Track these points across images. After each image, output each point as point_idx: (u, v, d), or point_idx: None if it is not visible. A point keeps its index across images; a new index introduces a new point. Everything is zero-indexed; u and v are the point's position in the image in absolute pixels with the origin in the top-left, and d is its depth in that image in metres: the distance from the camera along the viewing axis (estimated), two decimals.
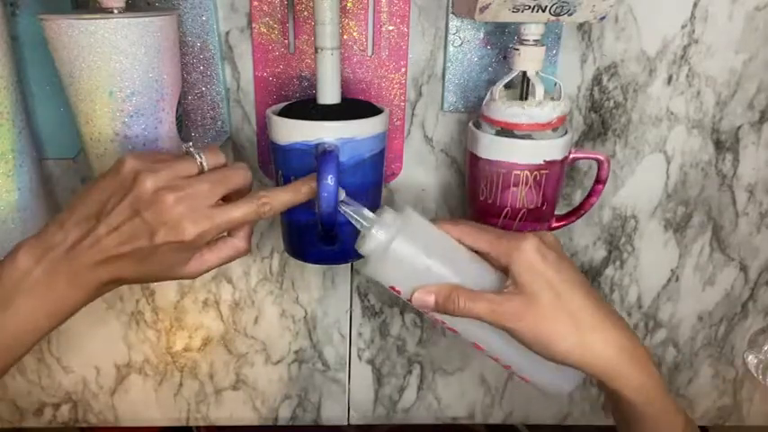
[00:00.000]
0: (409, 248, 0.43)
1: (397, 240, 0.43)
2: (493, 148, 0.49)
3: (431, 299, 0.43)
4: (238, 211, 0.41)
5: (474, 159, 0.51)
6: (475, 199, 0.53)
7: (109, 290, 0.42)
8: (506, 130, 0.49)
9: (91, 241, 0.39)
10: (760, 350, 0.67)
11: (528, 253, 0.43)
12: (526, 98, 0.49)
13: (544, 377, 0.48)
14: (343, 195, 0.44)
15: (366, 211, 0.44)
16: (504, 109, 0.48)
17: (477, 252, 0.45)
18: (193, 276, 0.44)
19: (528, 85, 0.49)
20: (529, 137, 0.48)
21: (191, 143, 0.43)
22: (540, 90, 0.48)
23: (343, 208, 0.44)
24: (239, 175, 0.42)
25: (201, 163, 0.42)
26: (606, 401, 0.43)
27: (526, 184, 0.50)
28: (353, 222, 0.44)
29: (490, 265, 0.45)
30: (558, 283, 0.43)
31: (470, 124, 0.52)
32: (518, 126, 0.48)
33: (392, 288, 0.45)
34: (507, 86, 0.50)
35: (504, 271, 0.44)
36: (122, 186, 0.40)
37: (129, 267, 0.40)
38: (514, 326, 0.42)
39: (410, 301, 0.45)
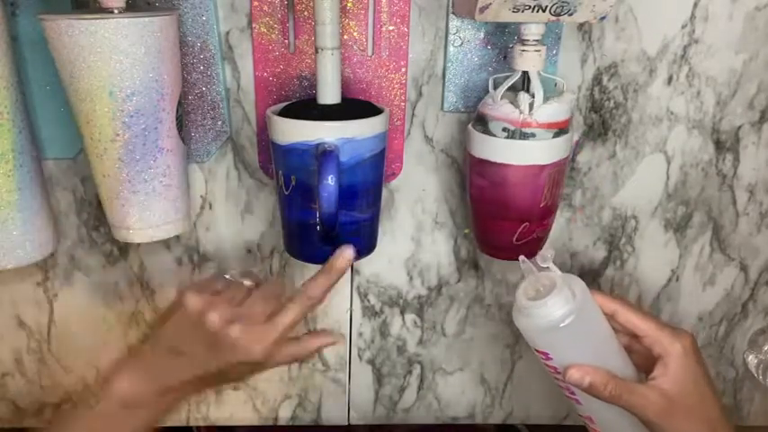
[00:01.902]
0: (578, 329, 0.44)
1: (570, 319, 0.43)
2: (493, 150, 0.49)
3: (586, 380, 0.45)
4: (291, 315, 0.47)
5: (473, 160, 0.51)
6: (475, 200, 0.53)
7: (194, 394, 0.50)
8: (506, 131, 0.49)
9: (177, 374, 0.47)
10: (760, 350, 0.67)
11: (689, 353, 0.45)
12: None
13: None
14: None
15: (543, 274, 0.45)
16: (504, 109, 0.48)
17: (623, 328, 0.47)
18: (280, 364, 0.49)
19: (529, 86, 0.49)
20: (529, 137, 0.48)
21: (232, 271, 0.50)
22: (540, 90, 0.48)
23: (525, 266, 0.46)
24: (278, 287, 0.51)
25: (247, 286, 0.49)
26: None
27: (527, 184, 0.50)
28: (528, 279, 0.46)
29: (633, 345, 0.47)
30: (705, 388, 0.46)
31: (470, 125, 0.52)
32: (518, 126, 0.48)
33: (540, 351, 0.46)
34: (507, 87, 0.50)
35: (651, 358, 0.46)
36: (192, 324, 0.46)
37: (214, 383, 0.48)
38: (661, 422, 0.44)
39: (554, 369, 0.46)
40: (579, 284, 0.45)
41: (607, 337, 0.47)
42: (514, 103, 0.48)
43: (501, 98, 0.49)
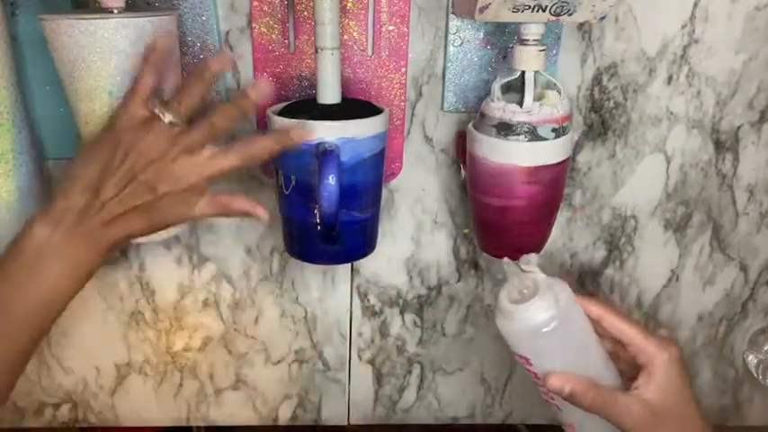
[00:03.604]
0: (561, 334, 0.44)
1: (553, 324, 0.43)
2: (493, 150, 0.49)
3: (566, 388, 0.44)
4: (229, 159, 0.44)
5: (474, 160, 0.51)
6: (476, 200, 0.53)
7: (124, 245, 0.47)
8: (507, 131, 0.49)
9: (96, 208, 0.42)
10: (760, 350, 0.67)
11: (674, 363, 0.44)
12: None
13: None
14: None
15: (527, 276, 0.44)
16: (504, 109, 0.48)
17: (609, 335, 0.46)
18: (196, 218, 0.46)
19: (528, 86, 0.49)
20: (529, 137, 0.48)
21: (155, 100, 0.44)
22: (531, 91, 0.48)
23: (509, 268, 0.45)
24: (223, 117, 0.44)
25: (170, 121, 0.43)
26: None
27: (528, 184, 0.50)
28: (510, 281, 0.45)
29: (619, 352, 0.47)
30: (688, 400, 0.44)
31: (470, 125, 0.52)
32: (518, 126, 0.48)
33: (521, 357, 0.45)
34: (507, 87, 0.50)
35: (635, 366, 0.45)
36: (116, 158, 0.43)
37: (141, 222, 0.44)
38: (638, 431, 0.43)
39: (535, 375, 0.46)
40: (564, 289, 0.44)
41: (590, 343, 0.46)
42: (514, 103, 0.48)
43: (501, 98, 0.49)
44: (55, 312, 0.44)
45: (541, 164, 0.49)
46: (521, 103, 0.48)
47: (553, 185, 0.51)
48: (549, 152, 0.49)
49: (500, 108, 0.49)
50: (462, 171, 0.56)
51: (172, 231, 0.51)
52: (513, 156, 0.49)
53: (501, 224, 0.52)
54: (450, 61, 0.55)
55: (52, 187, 0.56)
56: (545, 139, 0.48)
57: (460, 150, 0.56)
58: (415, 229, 0.61)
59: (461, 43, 0.54)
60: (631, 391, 0.44)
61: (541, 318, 0.43)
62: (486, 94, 0.51)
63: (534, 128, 0.48)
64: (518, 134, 0.48)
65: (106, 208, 0.42)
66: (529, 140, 0.48)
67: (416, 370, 0.68)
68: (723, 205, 0.62)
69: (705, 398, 0.70)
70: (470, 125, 0.52)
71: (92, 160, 0.43)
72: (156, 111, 0.43)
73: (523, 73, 0.48)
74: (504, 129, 0.49)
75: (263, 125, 0.56)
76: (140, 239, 0.49)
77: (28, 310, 0.43)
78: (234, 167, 0.44)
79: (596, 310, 0.46)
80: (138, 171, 0.42)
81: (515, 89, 0.50)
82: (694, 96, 0.57)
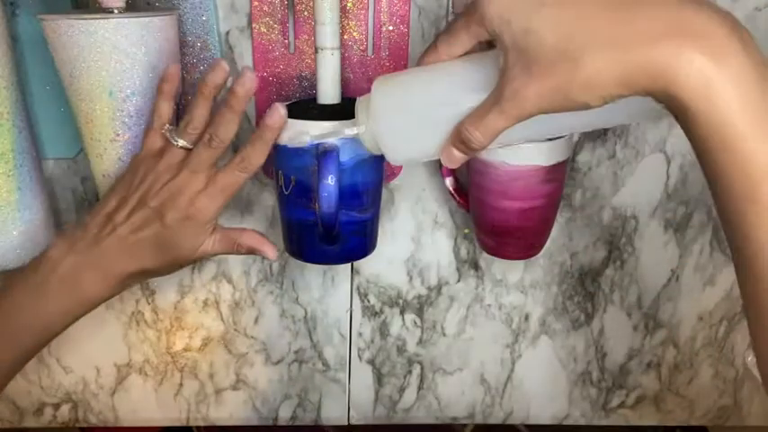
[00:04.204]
0: (392, 120, 0.39)
1: (373, 124, 0.39)
2: (513, 153, 0.49)
3: (452, 153, 0.37)
4: (229, 176, 0.44)
5: (488, 166, 0.51)
6: (489, 206, 0.53)
7: (136, 282, 0.47)
8: None
9: (107, 233, 0.44)
10: None
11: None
12: None
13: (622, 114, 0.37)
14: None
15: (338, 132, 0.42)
16: None
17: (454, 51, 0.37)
18: (209, 254, 0.46)
19: None
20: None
21: (169, 127, 0.46)
22: None
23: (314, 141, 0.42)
24: (211, 153, 0.44)
25: (183, 145, 0.45)
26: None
27: (547, 183, 0.50)
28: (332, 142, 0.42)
29: (483, 60, 0.36)
30: (552, 15, 0.31)
31: None
32: None
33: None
34: None
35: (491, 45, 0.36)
36: (132, 187, 0.45)
37: (151, 253, 0.44)
38: (541, 108, 0.32)
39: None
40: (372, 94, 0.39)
41: (435, 88, 0.38)
42: None
43: None
44: (52, 334, 0.46)
45: (559, 161, 0.49)
46: None
47: (564, 180, 0.52)
48: (564, 148, 0.50)
49: None
50: (446, 180, 0.56)
51: None
52: (534, 157, 0.49)
53: (521, 226, 0.52)
54: None
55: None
56: (561, 136, 0.48)
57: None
58: (415, 229, 0.61)
59: None
60: (499, 77, 0.34)
61: (364, 138, 0.41)
62: None
63: None
64: None
65: (116, 233, 0.44)
66: (547, 139, 0.48)
67: (416, 370, 0.68)
68: None
69: (705, 398, 0.70)
70: None
71: (112, 194, 0.46)
72: (168, 137, 0.45)
73: None
74: None
75: None
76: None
77: (27, 325, 0.45)
78: (239, 183, 0.45)
79: (424, 58, 0.38)
80: (149, 198, 0.44)
81: None
82: None
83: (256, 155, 0.44)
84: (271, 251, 0.47)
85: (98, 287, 0.45)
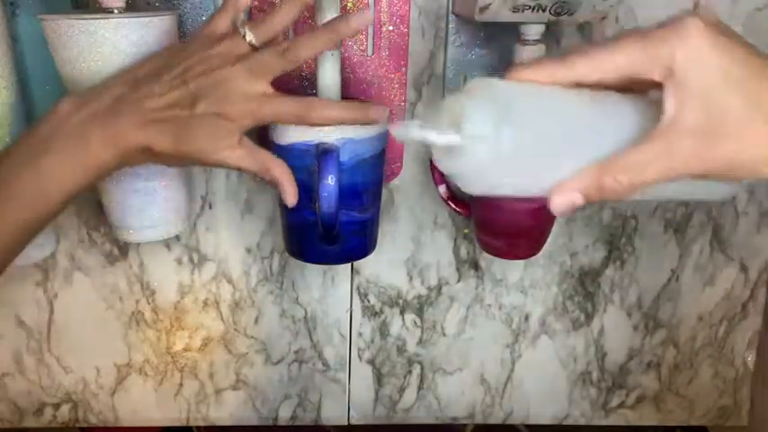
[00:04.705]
0: (521, 147, 0.30)
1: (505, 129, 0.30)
2: None
3: (573, 197, 0.32)
4: (286, 106, 0.40)
5: None
6: (498, 208, 0.53)
7: (140, 160, 0.41)
8: None
9: (132, 99, 0.39)
10: None
11: (694, 40, 0.29)
12: None
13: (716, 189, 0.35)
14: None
15: (433, 129, 0.31)
16: None
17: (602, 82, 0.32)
18: (230, 163, 0.41)
19: None
20: None
21: (242, 17, 0.41)
22: None
23: (408, 131, 0.31)
24: (303, 48, 0.40)
25: (250, 41, 0.40)
26: None
27: None
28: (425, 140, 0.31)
29: (636, 102, 0.32)
30: (743, 78, 0.29)
31: None
32: None
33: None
34: None
35: (655, 85, 0.31)
36: (175, 60, 0.40)
37: (166, 137, 0.39)
38: (699, 171, 0.30)
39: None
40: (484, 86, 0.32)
41: (571, 121, 0.32)
42: None
43: None
44: (59, 198, 0.40)
45: None
46: None
47: None
48: None
49: None
50: (440, 188, 0.56)
51: (172, 232, 0.51)
52: None
53: (533, 225, 0.52)
54: (450, 61, 0.55)
55: None
56: None
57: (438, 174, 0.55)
58: (415, 230, 0.61)
59: (461, 43, 0.54)
60: (661, 124, 0.30)
61: (479, 157, 0.30)
62: None
63: None
64: None
65: (141, 102, 0.39)
66: None
67: (416, 370, 0.68)
68: (723, 205, 0.62)
69: (705, 398, 0.70)
70: None
71: (149, 60, 0.41)
72: (239, 27, 0.40)
73: None
74: None
75: None
76: (139, 240, 0.49)
77: (31, 185, 0.39)
78: (288, 113, 0.40)
79: (562, 71, 0.32)
80: (189, 78, 0.39)
81: None
82: None
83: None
84: (291, 196, 0.42)
85: (104, 152, 0.39)
